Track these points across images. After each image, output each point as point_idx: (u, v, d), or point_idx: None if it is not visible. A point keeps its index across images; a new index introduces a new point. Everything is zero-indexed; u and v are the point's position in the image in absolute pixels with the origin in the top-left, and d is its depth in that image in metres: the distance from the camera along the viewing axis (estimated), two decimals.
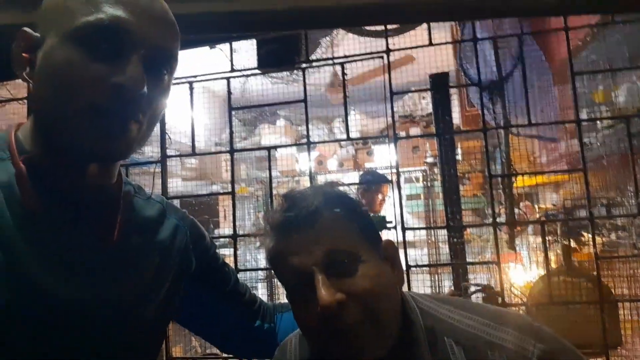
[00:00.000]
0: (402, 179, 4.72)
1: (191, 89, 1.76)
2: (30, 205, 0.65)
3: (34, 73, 0.68)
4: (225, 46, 1.71)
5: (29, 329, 0.62)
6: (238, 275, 1.79)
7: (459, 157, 3.72)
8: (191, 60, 2.05)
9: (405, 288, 1.67)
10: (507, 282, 1.78)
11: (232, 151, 1.68)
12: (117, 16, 0.65)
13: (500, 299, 1.62)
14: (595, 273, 1.54)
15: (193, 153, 1.77)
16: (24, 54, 0.69)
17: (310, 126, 1.73)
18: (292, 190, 0.85)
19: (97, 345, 0.69)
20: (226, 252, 3.74)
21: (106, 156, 0.70)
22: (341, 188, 0.87)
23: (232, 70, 1.70)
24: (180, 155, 1.95)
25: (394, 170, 1.73)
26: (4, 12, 1.26)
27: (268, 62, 1.67)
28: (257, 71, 1.73)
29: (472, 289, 1.78)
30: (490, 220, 1.64)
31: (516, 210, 2.29)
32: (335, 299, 0.70)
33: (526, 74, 1.66)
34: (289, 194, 0.82)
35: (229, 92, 1.68)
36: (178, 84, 1.80)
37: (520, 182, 2.67)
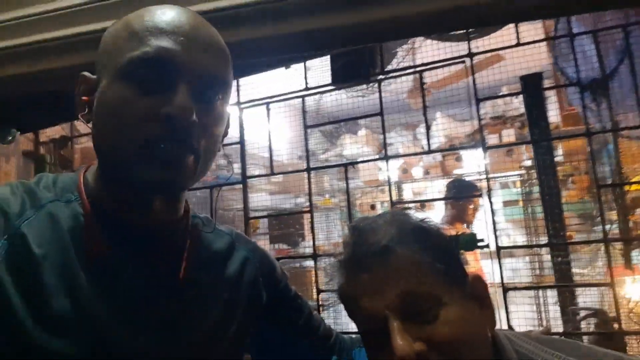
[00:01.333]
0: (496, 184, 4.42)
1: (268, 109, 1.77)
2: (95, 253, 0.65)
3: (92, 114, 0.69)
4: (300, 65, 1.70)
5: None
6: (320, 295, 1.77)
7: (560, 158, 3.39)
8: (268, 81, 2.08)
9: (502, 307, 1.53)
10: (623, 304, 1.56)
11: (308, 169, 1.65)
12: (162, 47, 0.64)
13: (615, 325, 1.42)
14: None
15: (272, 173, 1.78)
16: (83, 97, 0.70)
17: (392, 134, 1.68)
18: (362, 220, 0.78)
19: None
20: (310, 263, 3.77)
21: (165, 187, 0.68)
22: (420, 215, 0.78)
23: (307, 89, 1.68)
24: (259, 176, 1.97)
25: (485, 180, 1.60)
26: (77, 53, 1.33)
27: (342, 77, 1.63)
28: (331, 87, 1.70)
29: (582, 313, 1.57)
30: (600, 227, 1.45)
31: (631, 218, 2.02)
32: (413, 350, 0.62)
33: (635, 69, 1.45)
34: (358, 225, 0.76)
35: (304, 111, 1.66)
36: (256, 105, 1.83)
37: (635, 186, 2.36)
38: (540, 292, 3.03)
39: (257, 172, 3.15)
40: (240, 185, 1.79)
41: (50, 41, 1.35)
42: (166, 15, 0.67)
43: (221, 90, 0.71)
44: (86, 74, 0.71)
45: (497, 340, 0.74)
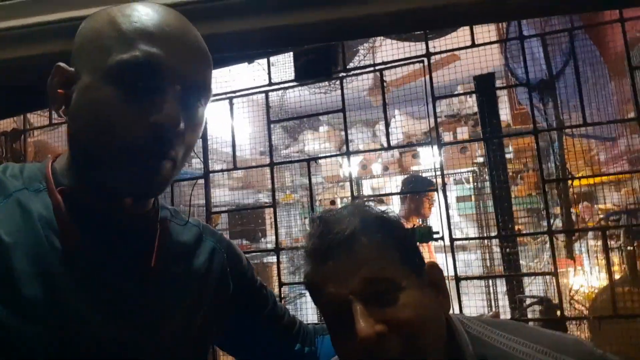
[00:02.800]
0: (451, 181, 4.58)
1: (231, 104, 1.78)
2: (68, 241, 0.66)
3: (70, 109, 0.69)
4: (263, 60, 1.71)
5: None
6: (282, 288, 1.80)
7: (510, 156, 3.56)
8: (231, 76, 2.08)
9: (455, 298, 1.61)
10: (566, 292, 1.67)
11: (272, 165, 1.67)
12: (152, 53, 0.64)
13: (558, 312, 1.52)
14: None
15: (234, 167, 1.78)
16: (59, 90, 0.69)
17: (352, 130, 1.72)
18: (327, 212, 0.81)
19: None
20: (271, 259, 3.79)
21: (142, 193, 0.71)
22: (381, 207, 0.83)
23: (270, 84, 1.70)
24: (222, 170, 1.97)
25: (440, 175, 1.67)
26: (52, 41, 1.30)
27: (305, 74, 1.66)
28: (294, 83, 1.72)
29: (528, 301, 1.68)
30: (546, 222, 1.55)
31: (574, 211, 2.15)
32: (374, 331, 0.67)
33: (579, 71, 1.55)
34: (323, 217, 0.79)
35: (267, 107, 1.68)
36: (219, 100, 1.83)
37: (578, 182, 2.52)
38: (490, 283, 3.18)
39: (218, 167, 3.13)
40: (201, 180, 1.79)
41: (5, 31, 1.31)
42: (155, 17, 0.67)
43: (204, 95, 0.73)
44: (63, 65, 0.70)
45: (450, 323, 0.80)
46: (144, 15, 0.67)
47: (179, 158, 0.70)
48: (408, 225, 2.89)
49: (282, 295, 1.75)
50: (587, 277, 1.96)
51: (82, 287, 0.66)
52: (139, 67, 0.64)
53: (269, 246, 3.86)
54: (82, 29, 0.70)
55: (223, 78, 1.92)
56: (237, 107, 1.83)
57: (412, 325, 0.69)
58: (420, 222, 3.26)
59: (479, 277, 2.52)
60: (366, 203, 0.84)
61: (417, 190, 3.18)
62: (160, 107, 0.64)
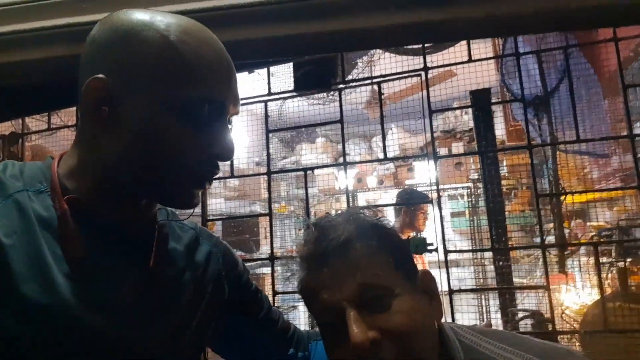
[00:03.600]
0: (445, 196, 4.61)
1: None
2: (71, 250, 0.66)
3: (119, 129, 0.67)
4: (263, 70, 1.73)
5: None
6: (277, 296, 1.80)
7: (504, 172, 3.59)
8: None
9: (448, 311, 1.61)
10: (557, 307, 1.68)
11: (269, 173, 1.68)
12: (222, 91, 0.69)
13: (550, 326, 1.53)
14: None
15: (232, 175, 1.79)
16: (103, 107, 0.67)
17: (348, 143, 1.72)
18: (322, 219, 0.82)
19: None
20: (265, 271, 3.77)
21: (190, 207, 0.75)
22: (374, 214, 0.84)
23: (270, 94, 1.71)
24: (219, 178, 1.97)
25: (435, 189, 1.68)
26: (53, 46, 1.31)
27: (304, 85, 1.67)
28: (293, 94, 1.74)
29: (520, 315, 1.68)
30: (539, 239, 1.56)
31: (566, 229, 2.17)
32: (368, 338, 0.67)
33: (573, 88, 1.58)
34: (318, 223, 0.80)
35: (266, 116, 1.69)
36: None
37: (570, 199, 2.54)
38: (483, 297, 3.19)
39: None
40: None
41: (5, 35, 1.32)
42: (216, 50, 0.70)
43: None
44: (103, 78, 0.66)
45: (442, 331, 0.80)
46: (207, 47, 0.69)
47: None
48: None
49: (277, 305, 1.75)
50: (578, 292, 1.98)
51: (80, 289, 0.65)
52: (211, 104, 0.68)
53: (263, 257, 3.85)
54: (127, 43, 0.67)
55: None
56: (235, 117, 1.84)
57: (405, 332, 0.69)
58: (415, 236, 3.27)
59: (472, 290, 2.52)
60: (361, 211, 0.85)
61: (412, 203, 3.19)
62: (221, 140, 0.70)
